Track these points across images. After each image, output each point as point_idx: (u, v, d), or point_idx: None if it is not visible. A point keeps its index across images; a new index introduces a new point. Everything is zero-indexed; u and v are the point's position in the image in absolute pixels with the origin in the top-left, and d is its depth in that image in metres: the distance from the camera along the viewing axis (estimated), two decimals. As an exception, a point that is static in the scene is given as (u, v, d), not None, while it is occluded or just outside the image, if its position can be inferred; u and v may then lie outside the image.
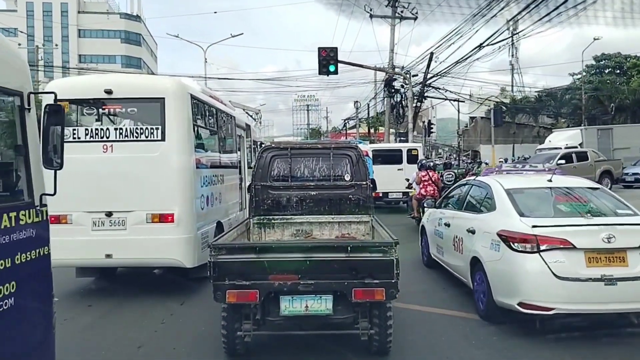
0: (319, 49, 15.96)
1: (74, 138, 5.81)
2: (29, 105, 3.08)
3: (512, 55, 43.88)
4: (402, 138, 27.85)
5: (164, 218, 5.77)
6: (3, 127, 3.28)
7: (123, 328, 5.02)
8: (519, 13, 17.41)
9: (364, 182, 5.89)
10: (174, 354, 4.38)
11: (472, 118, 40.97)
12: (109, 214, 5.73)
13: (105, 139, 5.79)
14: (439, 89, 27.35)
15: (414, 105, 27.24)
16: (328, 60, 15.80)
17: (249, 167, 8.57)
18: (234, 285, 3.84)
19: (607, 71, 38.31)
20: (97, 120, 5.88)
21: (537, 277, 4.31)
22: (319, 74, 15.97)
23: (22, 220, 2.98)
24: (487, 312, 4.81)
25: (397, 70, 25.33)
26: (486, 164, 20.30)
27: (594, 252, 4.26)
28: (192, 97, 6.10)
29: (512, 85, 36.66)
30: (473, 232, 5.22)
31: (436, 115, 40.39)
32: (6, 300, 2.70)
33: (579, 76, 38.69)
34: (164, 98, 5.76)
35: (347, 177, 5.99)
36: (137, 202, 5.72)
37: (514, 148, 36.19)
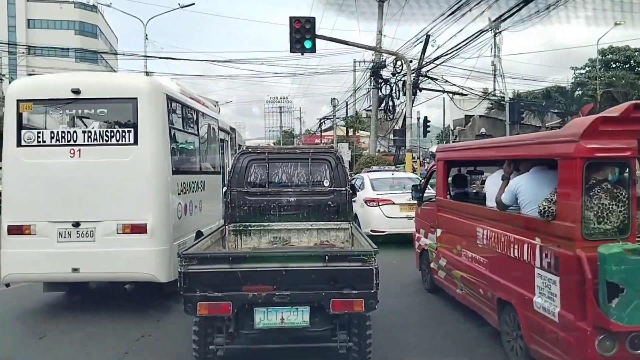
0: (291, 19, 13.61)
1: (38, 142, 5.96)
2: None
3: (495, 55, 43.68)
4: (397, 137, 26.03)
5: (136, 228, 5.81)
6: None
7: (96, 347, 5.10)
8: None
9: (344, 188, 6.10)
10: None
11: (468, 117, 39.51)
12: (76, 224, 5.80)
13: (72, 142, 5.93)
14: (436, 79, 24.74)
15: (406, 98, 24.24)
16: (303, 33, 13.50)
17: None
18: (206, 297, 3.92)
19: (613, 65, 37.86)
20: (63, 122, 5.89)
21: (377, 217, 10.80)
22: (291, 51, 13.74)
23: None
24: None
25: (388, 51, 22.68)
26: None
27: (403, 205, 10.53)
28: (169, 97, 6.20)
29: (495, 88, 36.56)
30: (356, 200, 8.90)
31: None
32: None
33: (583, 71, 38.40)
34: (136, 98, 5.89)
35: (326, 183, 6.18)
36: (107, 211, 5.82)
37: None
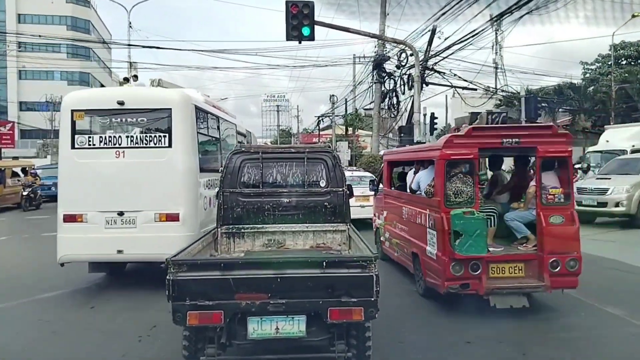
0: (288, 3, 13.00)
1: (89, 145, 7.51)
2: None
3: (496, 53, 43.62)
4: (403, 135, 24.24)
5: (170, 217, 7.30)
6: None
7: (133, 317, 6.37)
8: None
9: (341, 189, 6.26)
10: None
11: (475, 114, 39.15)
12: (121, 214, 7.27)
13: (117, 145, 7.47)
14: (444, 73, 23.79)
15: (414, 91, 23.09)
16: (300, 19, 12.89)
17: None
18: (196, 306, 3.93)
19: (624, 62, 37.21)
20: (110, 128, 7.41)
21: None
22: (288, 39, 13.11)
23: None
24: None
25: (395, 40, 21.29)
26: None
27: (358, 197, 11.10)
28: (196, 107, 7.77)
29: (496, 85, 36.28)
30: None
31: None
32: None
33: (593, 67, 38.07)
34: (171, 109, 7.51)
35: (323, 184, 6.32)
36: (146, 203, 7.30)
37: None
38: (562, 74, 58.32)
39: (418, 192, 7.61)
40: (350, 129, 46.01)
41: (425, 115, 27.14)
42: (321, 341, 4.20)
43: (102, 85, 59.71)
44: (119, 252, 7.34)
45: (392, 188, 9.30)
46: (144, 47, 48.76)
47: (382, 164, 10.38)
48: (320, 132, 55.83)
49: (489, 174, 22.43)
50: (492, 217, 6.83)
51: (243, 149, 6.69)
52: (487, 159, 8.82)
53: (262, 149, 6.80)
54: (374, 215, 10.33)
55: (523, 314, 6.13)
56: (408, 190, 8.20)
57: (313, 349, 4.25)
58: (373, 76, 25.98)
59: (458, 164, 6.43)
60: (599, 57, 38.26)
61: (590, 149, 18.78)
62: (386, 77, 25.48)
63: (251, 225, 6.28)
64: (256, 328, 4.08)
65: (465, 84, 26.97)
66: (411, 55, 21.72)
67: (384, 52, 24.76)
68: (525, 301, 6.24)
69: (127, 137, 7.47)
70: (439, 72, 23.62)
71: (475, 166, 6.57)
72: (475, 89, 30.14)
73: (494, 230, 6.88)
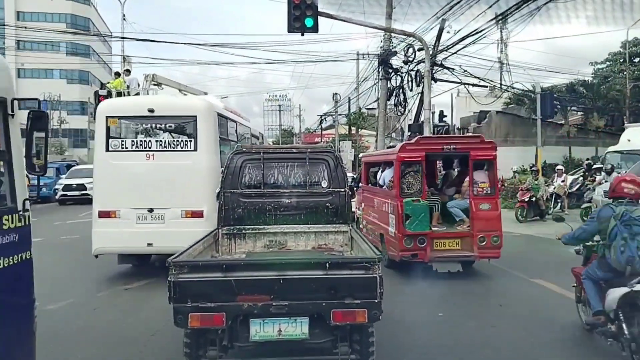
0: None
1: (122, 148, 8.57)
2: (12, 111, 3.59)
3: (502, 52, 43.69)
4: (411, 133, 23.67)
5: (195, 214, 8.28)
6: None
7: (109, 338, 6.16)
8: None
9: (342, 189, 6.39)
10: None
11: (484, 112, 37.46)
12: (151, 210, 8.27)
13: (147, 148, 8.53)
14: (453, 69, 23.05)
15: (422, 88, 22.50)
16: (303, 9, 12.52)
17: None
18: (198, 308, 3.98)
19: (638, 59, 36.84)
20: (141, 133, 8.53)
21: None
22: (289, 30, 12.75)
23: (5, 225, 3.44)
24: None
25: (403, 32, 20.43)
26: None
27: None
28: (218, 114, 8.81)
29: (501, 85, 34.24)
30: None
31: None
32: None
33: (603, 66, 37.78)
34: (196, 116, 8.56)
35: (324, 184, 6.42)
36: (173, 201, 8.32)
37: (537, 151, 34.00)
38: (574, 71, 57.68)
39: (384, 187, 9.98)
40: (353, 128, 45.95)
41: (433, 113, 25.60)
42: (324, 343, 4.26)
43: (102, 83, 60.47)
44: (149, 245, 8.30)
45: (369, 184, 11.53)
46: (137, 40, 49.06)
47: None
48: (323, 132, 56.05)
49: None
50: (436, 205, 9.20)
51: (244, 149, 6.86)
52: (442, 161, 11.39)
53: (263, 149, 6.95)
54: (356, 207, 11.84)
55: (458, 277, 8.65)
56: (378, 186, 10.58)
57: (316, 351, 4.33)
58: (379, 72, 25.07)
59: (410, 164, 8.84)
60: (610, 55, 37.76)
61: (610, 149, 18.42)
62: (392, 73, 24.57)
63: (252, 226, 6.38)
64: (258, 330, 4.12)
65: (475, 81, 26.03)
66: (419, 50, 21.53)
67: (390, 47, 23.95)
68: (459, 267, 8.76)
69: (157, 141, 8.53)
70: (448, 68, 22.75)
71: (422, 166, 8.88)
72: (486, 86, 29.60)
73: (438, 215, 9.18)
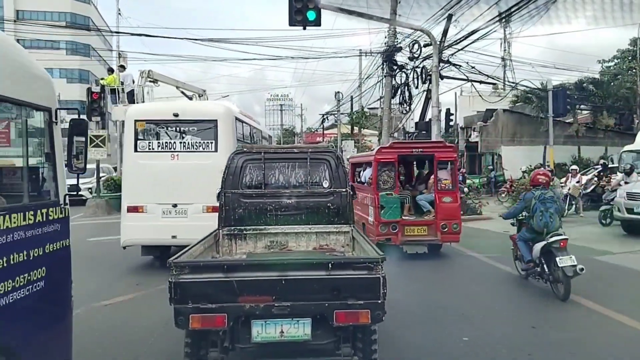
0: None
1: (149, 149, 9.85)
2: (56, 119, 4.25)
3: (505, 50, 43.84)
4: (419, 132, 23.72)
5: (215, 209, 9.35)
6: (35, 137, 4.31)
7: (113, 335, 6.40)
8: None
9: (344, 189, 6.53)
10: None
11: (490, 111, 37.63)
12: (175, 206, 9.45)
13: (172, 149, 9.83)
14: (460, 66, 23.06)
15: (429, 86, 22.68)
16: (305, 2, 12.56)
17: None
18: (199, 309, 4.06)
19: None
20: (166, 135, 9.83)
21: None
22: (291, 24, 12.77)
23: (51, 216, 4.11)
24: None
25: (410, 26, 20.22)
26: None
27: None
28: (236, 118, 9.99)
29: (505, 82, 34.20)
30: None
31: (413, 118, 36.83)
32: (39, 282, 3.87)
33: (611, 64, 37.44)
34: (216, 120, 9.88)
35: (326, 184, 6.56)
36: (195, 197, 9.56)
37: (545, 151, 32.89)
38: (583, 69, 56.40)
39: (365, 183, 12.27)
40: (355, 127, 46.42)
41: (440, 110, 24.70)
42: (327, 344, 4.36)
43: (95, 80, 61.58)
44: (173, 237, 9.47)
45: (355, 182, 13.39)
46: (132, 34, 49.62)
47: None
48: (325, 131, 56.69)
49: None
50: (407, 198, 11.83)
51: (245, 149, 7.10)
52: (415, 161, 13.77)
53: (264, 149, 7.17)
54: None
55: (424, 258, 11.07)
56: (360, 183, 12.83)
57: (318, 352, 4.41)
58: (383, 69, 25.02)
59: (385, 164, 11.16)
60: (618, 52, 37.61)
61: (626, 148, 18.53)
62: (397, 70, 24.63)
63: (253, 227, 6.50)
64: (260, 331, 4.21)
65: (482, 78, 25.98)
66: (425, 46, 21.78)
67: (395, 43, 24.05)
68: (425, 249, 11.20)
69: (181, 142, 9.81)
70: (455, 65, 22.73)
71: (395, 166, 11.31)
72: (495, 84, 29.78)
73: (409, 206, 11.79)
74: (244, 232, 6.50)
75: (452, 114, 26.52)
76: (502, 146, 36.01)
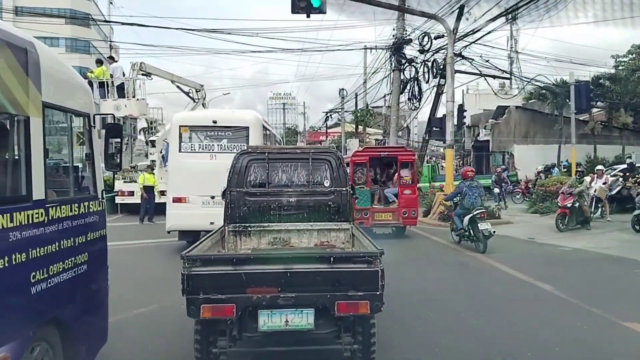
0: None
1: (191, 150, 12.60)
2: (94, 123, 4.95)
3: (511, 48, 44.35)
4: (432, 128, 23.87)
5: None
6: (77, 140, 4.96)
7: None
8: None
9: (344, 188, 7.00)
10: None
11: (503, 107, 37.39)
12: (213, 197, 12.17)
13: (211, 151, 12.57)
14: (472, 59, 23.15)
15: (440, 81, 23.33)
16: None
17: None
18: (209, 300, 4.50)
19: None
20: (206, 138, 12.59)
21: None
22: (293, 11, 12.79)
23: (91, 208, 4.79)
24: None
25: (424, 13, 19.69)
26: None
27: None
28: (262, 125, 13.03)
29: (511, 77, 34.66)
30: None
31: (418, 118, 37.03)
32: (82, 266, 4.53)
33: (626, 59, 37.39)
34: (248, 127, 12.69)
35: (327, 183, 7.05)
36: None
37: (560, 150, 33.19)
38: (601, 63, 57.03)
39: None
40: (360, 126, 46.60)
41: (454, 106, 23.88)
42: (328, 334, 4.86)
43: (84, 73, 63.31)
44: (211, 223, 11.74)
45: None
46: (123, 24, 52.09)
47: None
48: (328, 130, 56.94)
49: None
50: (376, 191, 15.81)
51: (250, 149, 7.64)
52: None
53: (267, 149, 7.73)
54: None
55: (390, 237, 15.26)
56: None
57: (320, 341, 4.97)
58: (391, 63, 25.04)
59: (359, 164, 15.12)
60: (633, 47, 37.30)
61: None
62: (406, 64, 24.69)
63: (257, 224, 6.98)
64: (266, 321, 4.64)
65: (495, 73, 25.86)
66: (436, 38, 22.02)
67: (404, 35, 24.11)
68: (391, 230, 15.62)
69: (218, 145, 12.55)
70: (467, 59, 22.85)
71: (367, 166, 15.31)
72: (509, 77, 30.15)
73: (378, 197, 15.76)
74: (249, 229, 7.00)
75: (465, 110, 26.17)
76: (515, 145, 36.04)
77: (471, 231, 12.43)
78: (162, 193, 18.83)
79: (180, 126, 12.44)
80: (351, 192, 7.19)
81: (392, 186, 15.79)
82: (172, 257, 10.86)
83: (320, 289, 4.60)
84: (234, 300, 4.52)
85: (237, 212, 6.97)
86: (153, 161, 20.68)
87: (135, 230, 17.11)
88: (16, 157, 3.80)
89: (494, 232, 11.99)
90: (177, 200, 12.25)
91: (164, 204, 16.18)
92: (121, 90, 20.11)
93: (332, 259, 4.68)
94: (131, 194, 20.61)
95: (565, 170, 28.06)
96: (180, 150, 12.37)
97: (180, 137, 12.36)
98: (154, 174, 19.46)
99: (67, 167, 4.91)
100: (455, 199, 13.28)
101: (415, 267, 10.89)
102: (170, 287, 6.58)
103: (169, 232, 12.56)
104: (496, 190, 23.87)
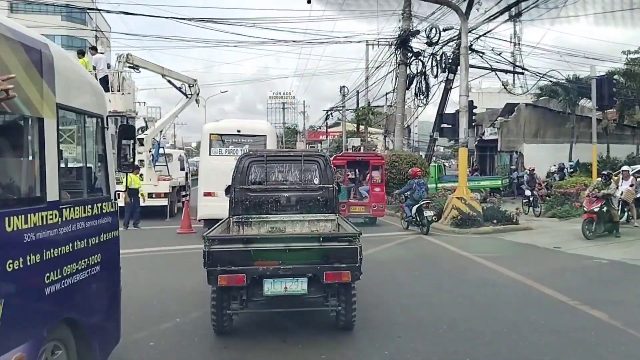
0: None
1: (219, 153, 14.68)
2: (107, 124, 5.03)
3: (515, 45, 43.26)
4: (445, 125, 21.35)
5: None
6: (90, 141, 5.05)
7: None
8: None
9: (331, 185, 8.26)
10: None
11: (511, 105, 36.24)
12: None
13: (235, 154, 13.69)
14: (483, 53, 22.46)
15: (448, 75, 23.13)
16: None
17: None
18: (225, 271, 5.71)
19: None
20: (231, 144, 15.46)
21: None
22: None
23: (104, 209, 4.91)
24: None
25: (432, 1, 19.24)
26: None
27: None
28: (277, 134, 15.72)
29: (514, 79, 34.16)
30: None
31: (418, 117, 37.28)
32: (95, 267, 4.66)
33: (637, 55, 34.56)
34: (266, 135, 15.83)
35: (316, 181, 8.29)
36: None
37: (572, 149, 32.39)
38: (616, 59, 55.15)
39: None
40: (361, 125, 46.20)
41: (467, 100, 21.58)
42: (318, 298, 6.18)
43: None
44: None
45: None
46: (108, 12, 49.94)
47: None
48: (328, 130, 56.30)
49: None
50: (352, 188, 19.62)
51: (250, 152, 9.00)
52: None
53: (266, 152, 9.26)
54: None
55: (366, 226, 17.32)
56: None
57: (312, 303, 6.31)
58: (397, 57, 24.33)
59: (338, 167, 17.12)
60: None
61: None
62: (413, 58, 23.94)
63: (257, 216, 8.17)
64: (270, 287, 5.89)
65: (507, 67, 25.11)
66: (444, 30, 21.66)
67: (410, 27, 23.49)
68: (364, 219, 18.56)
69: (241, 150, 14.03)
70: (477, 52, 22.12)
71: (345, 168, 19.01)
72: (522, 73, 29.25)
73: (353, 193, 19.50)
74: (250, 219, 8.16)
75: (476, 107, 24.34)
76: (524, 144, 34.73)
77: (418, 217, 16.04)
78: (150, 195, 18.77)
79: (210, 134, 15.34)
80: (337, 188, 8.38)
81: (365, 184, 19.61)
82: (164, 269, 10.64)
83: (312, 262, 5.84)
84: (245, 271, 5.72)
85: (240, 206, 8.14)
86: (141, 161, 18.66)
87: (121, 237, 15.09)
88: (30, 159, 3.89)
89: (436, 219, 16.41)
90: (207, 194, 14.50)
91: (152, 207, 19.10)
92: (105, 83, 17.65)
93: (321, 239, 5.97)
94: (118, 196, 20.41)
95: (572, 171, 27.97)
96: (210, 154, 15.11)
97: (211, 143, 15.17)
98: (141, 175, 18.26)
99: (80, 168, 5.06)
100: (406, 193, 16.78)
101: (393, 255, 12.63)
102: (168, 310, 7.15)
103: (199, 221, 14.94)
104: (527, 192, 21.29)
